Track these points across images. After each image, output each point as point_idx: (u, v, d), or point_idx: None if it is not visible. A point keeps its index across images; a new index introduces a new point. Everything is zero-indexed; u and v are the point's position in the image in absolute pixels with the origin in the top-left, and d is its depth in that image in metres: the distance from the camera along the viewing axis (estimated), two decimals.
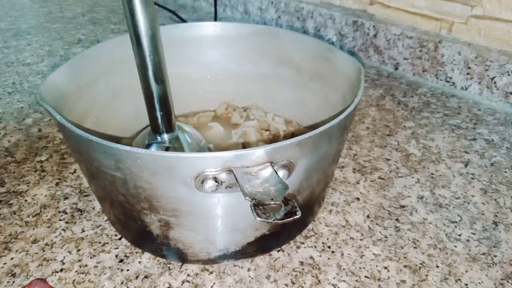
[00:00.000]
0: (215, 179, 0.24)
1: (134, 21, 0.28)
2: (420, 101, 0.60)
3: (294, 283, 0.31)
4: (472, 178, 0.43)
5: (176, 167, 0.24)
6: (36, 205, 0.39)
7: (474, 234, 0.36)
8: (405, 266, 0.33)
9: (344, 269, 0.32)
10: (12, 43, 0.81)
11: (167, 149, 0.34)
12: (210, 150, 0.41)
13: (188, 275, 0.32)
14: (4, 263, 0.33)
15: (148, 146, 0.35)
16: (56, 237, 0.35)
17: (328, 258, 0.33)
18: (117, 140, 0.43)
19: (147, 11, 0.28)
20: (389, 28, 0.67)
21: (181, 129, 0.37)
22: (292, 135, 0.46)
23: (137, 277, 0.31)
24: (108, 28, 0.92)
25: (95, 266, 0.32)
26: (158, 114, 0.33)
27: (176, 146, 0.35)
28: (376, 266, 0.33)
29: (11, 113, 0.55)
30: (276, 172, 0.24)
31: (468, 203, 0.40)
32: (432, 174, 0.44)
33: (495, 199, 0.41)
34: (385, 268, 0.33)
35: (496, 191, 0.42)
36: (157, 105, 0.32)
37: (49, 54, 0.76)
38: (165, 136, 0.35)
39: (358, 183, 0.43)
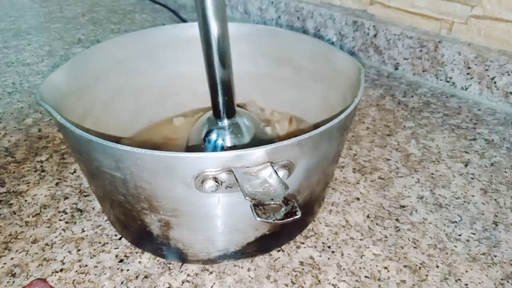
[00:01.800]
0: (215, 179, 0.24)
1: (203, 5, 0.28)
2: (420, 101, 0.60)
3: (294, 283, 0.31)
4: (472, 178, 0.43)
5: (176, 167, 0.24)
6: (36, 205, 0.39)
7: (474, 234, 0.36)
8: (405, 266, 0.33)
9: (344, 269, 0.32)
10: (12, 43, 0.81)
11: (226, 137, 0.34)
12: (267, 133, 0.40)
13: (188, 275, 0.32)
14: (4, 263, 0.33)
15: (208, 133, 0.35)
16: (56, 237, 0.35)
17: (328, 258, 0.33)
18: (117, 140, 0.43)
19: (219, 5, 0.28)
20: (389, 28, 0.67)
21: (240, 114, 0.36)
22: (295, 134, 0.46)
23: (137, 277, 0.31)
24: (108, 28, 0.92)
25: (95, 266, 0.32)
26: (221, 99, 0.33)
27: (236, 131, 0.35)
28: (376, 266, 0.33)
29: (11, 113, 0.55)
30: (276, 172, 0.24)
31: (468, 203, 0.40)
32: (432, 174, 0.44)
33: (495, 199, 0.41)
34: (385, 268, 0.33)
35: (496, 191, 0.42)
36: (220, 90, 0.32)
37: (49, 54, 0.76)
38: (226, 122, 0.34)
39: (358, 183, 0.43)
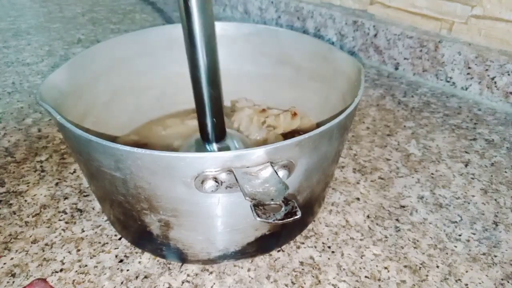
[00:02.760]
0: (215, 179, 0.24)
1: (189, 16, 0.25)
2: (420, 101, 0.60)
3: (294, 283, 0.31)
4: (472, 178, 0.43)
5: (176, 167, 0.24)
6: (36, 205, 0.39)
7: (474, 234, 0.36)
8: (405, 266, 0.33)
9: (344, 269, 0.32)
10: (12, 43, 0.81)
11: None
12: None
13: (188, 275, 0.32)
14: (4, 263, 0.33)
15: None
16: (56, 237, 0.35)
17: (328, 258, 0.33)
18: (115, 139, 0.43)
19: (205, 7, 0.25)
20: (389, 28, 0.67)
21: (230, 136, 0.33)
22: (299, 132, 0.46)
23: (137, 277, 0.31)
24: (108, 28, 0.92)
25: (95, 266, 0.32)
26: (209, 120, 0.29)
27: None
28: (376, 266, 0.33)
29: (11, 113, 0.55)
30: (276, 172, 0.24)
31: (468, 203, 0.40)
32: (432, 174, 0.44)
33: (495, 199, 0.40)
34: (385, 268, 0.33)
35: (496, 191, 0.42)
36: (208, 111, 0.29)
37: (49, 54, 0.76)
38: (215, 146, 0.31)
39: (358, 183, 0.43)
